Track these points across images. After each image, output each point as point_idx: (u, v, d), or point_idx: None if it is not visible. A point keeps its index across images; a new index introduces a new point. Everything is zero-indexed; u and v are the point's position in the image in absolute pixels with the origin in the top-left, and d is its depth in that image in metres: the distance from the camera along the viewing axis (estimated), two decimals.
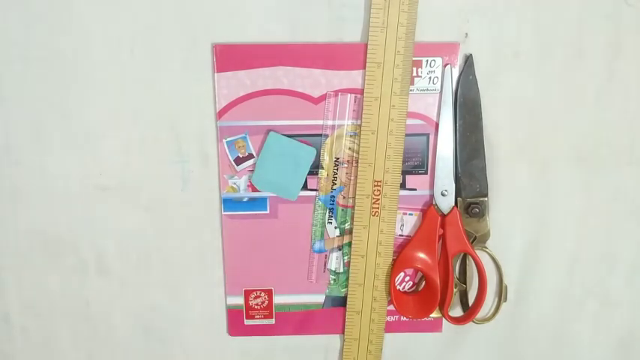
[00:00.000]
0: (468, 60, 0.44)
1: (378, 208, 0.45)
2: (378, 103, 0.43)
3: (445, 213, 0.46)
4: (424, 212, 0.46)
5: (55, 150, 0.45)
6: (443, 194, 0.45)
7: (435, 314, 0.47)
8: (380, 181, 0.45)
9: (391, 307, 0.47)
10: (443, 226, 0.45)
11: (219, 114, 0.44)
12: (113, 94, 0.44)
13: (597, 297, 0.49)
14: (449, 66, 0.44)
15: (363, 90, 0.44)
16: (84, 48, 0.44)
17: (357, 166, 0.45)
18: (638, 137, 0.46)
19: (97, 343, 0.49)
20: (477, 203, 0.45)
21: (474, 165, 0.45)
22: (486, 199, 0.45)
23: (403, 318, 0.48)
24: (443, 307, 0.46)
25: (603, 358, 0.50)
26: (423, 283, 0.47)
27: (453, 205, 0.45)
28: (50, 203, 0.46)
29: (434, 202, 0.46)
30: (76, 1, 0.43)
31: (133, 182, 0.46)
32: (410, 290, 0.48)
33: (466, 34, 0.44)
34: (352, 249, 0.46)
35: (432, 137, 0.45)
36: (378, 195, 0.45)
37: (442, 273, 0.46)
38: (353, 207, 0.46)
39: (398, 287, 0.48)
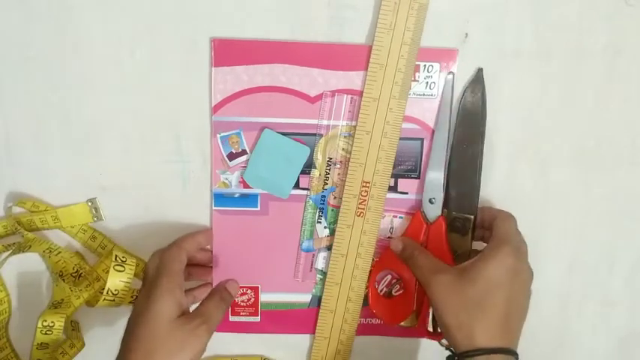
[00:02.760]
0: (477, 74, 0.43)
1: (363, 209, 0.45)
2: (376, 104, 0.43)
3: (431, 221, 0.45)
4: (411, 217, 0.45)
5: (55, 150, 0.45)
6: (431, 202, 0.45)
7: (406, 323, 0.46)
8: (368, 183, 0.44)
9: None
10: (427, 233, 0.45)
11: (215, 109, 0.44)
12: (113, 94, 0.44)
13: (597, 297, 0.49)
14: (451, 75, 0.43)
15: (363, 90, 0.43)
16: (84, 48, 0.44)
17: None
18: (638, 137, 0.46)
19: (98, 342, 0.49)
20: (460, 219, 0.44)
21: (467, 180, 0.44)
22: (472, 217, 0.44)
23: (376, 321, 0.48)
24: (419, 316, 0.45)
25: (603, 358, 0.50)
26: (397, 287, 0.47)
27: (440, 214, 0.45)
28: (50, 203, 0.46)
29: (421, 209, 0.45)
30: (76, 1, 0.43)
31: (133, 182, 0.46)
32: (385, 292, 0.47)
33: (466, 34, 0.44)
34: (333, 247, 0.45)
35: (426, 142, 0.45)
36: (365, 196, 0.44)
37: None
38: None
39: (377, 288, 0.47)
